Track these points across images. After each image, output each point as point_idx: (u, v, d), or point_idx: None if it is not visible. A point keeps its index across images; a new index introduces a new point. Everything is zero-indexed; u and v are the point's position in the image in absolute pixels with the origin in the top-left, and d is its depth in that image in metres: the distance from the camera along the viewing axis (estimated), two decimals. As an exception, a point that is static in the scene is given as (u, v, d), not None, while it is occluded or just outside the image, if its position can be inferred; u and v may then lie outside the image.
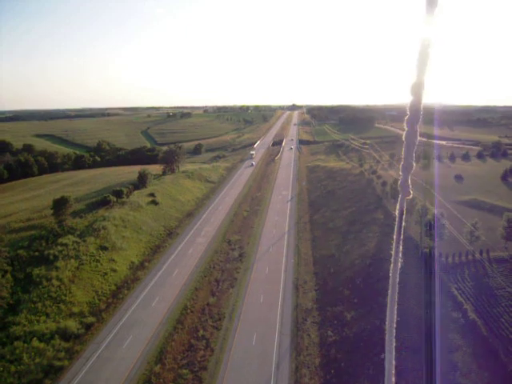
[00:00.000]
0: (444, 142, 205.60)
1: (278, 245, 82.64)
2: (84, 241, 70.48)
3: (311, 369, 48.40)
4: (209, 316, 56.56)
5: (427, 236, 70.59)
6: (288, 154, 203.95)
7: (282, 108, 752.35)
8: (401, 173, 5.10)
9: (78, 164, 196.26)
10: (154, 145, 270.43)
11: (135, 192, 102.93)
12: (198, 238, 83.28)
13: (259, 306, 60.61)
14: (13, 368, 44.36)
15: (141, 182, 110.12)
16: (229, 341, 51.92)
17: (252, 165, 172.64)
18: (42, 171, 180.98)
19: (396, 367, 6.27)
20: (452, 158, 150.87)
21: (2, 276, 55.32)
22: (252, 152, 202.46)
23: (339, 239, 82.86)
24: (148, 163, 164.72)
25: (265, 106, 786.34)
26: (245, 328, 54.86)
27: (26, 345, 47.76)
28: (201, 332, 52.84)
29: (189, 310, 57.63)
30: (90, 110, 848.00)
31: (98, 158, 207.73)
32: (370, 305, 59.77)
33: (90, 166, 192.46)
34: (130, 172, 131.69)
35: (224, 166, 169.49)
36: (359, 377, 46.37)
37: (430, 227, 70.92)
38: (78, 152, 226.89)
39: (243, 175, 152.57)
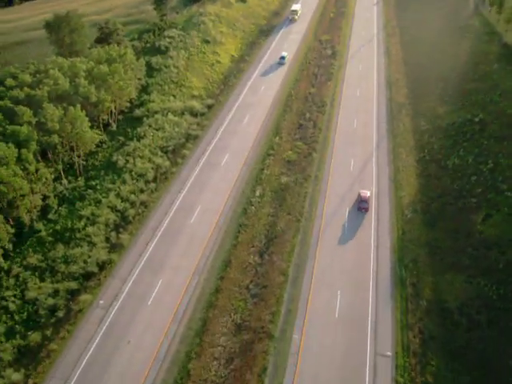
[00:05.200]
0: None
1: (368, 46, 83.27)
2: (188, 34, 74.66)
3: (407, 148, 55.23)
4: (312, 103, 62.78)
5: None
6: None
7: None
8: None
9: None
10: None
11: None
12: (290, 35, 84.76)
13: (356, 98, 65.67)
14: (160, 134, 54.13)
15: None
16: (333, 123, 58.89)
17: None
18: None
19: None
20: None
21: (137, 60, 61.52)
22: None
23: (430, 44, 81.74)
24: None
25: None
26: (346, 114, 61.18)
27: (164, 117, 56.86)
28: (307, 115, 59.77)
29: (293, 97, 63.92)
30: None
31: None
32: (461, 102, 63.35)
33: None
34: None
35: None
36: (449, 156, 53.04)
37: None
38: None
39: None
